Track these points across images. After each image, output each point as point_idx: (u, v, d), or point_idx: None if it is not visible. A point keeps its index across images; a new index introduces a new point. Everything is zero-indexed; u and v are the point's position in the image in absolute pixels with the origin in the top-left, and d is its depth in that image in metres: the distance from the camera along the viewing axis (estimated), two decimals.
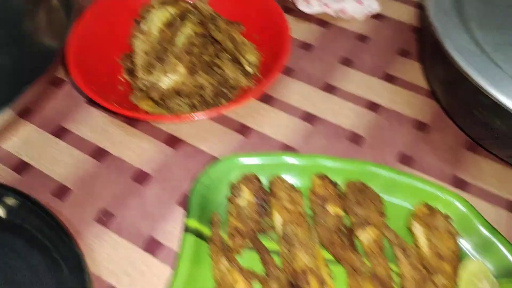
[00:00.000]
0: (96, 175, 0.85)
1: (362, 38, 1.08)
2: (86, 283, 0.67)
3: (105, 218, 0.80)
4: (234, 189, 0.80)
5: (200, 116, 0.81)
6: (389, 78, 1.01)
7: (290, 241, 0.75)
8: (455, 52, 0.79)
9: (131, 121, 0.92)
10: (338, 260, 0.75)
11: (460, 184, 0.86)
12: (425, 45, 1.01)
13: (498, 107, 0.72)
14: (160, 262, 0.76)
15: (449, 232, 0.76)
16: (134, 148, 0.89)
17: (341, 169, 0.83)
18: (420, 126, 0.93)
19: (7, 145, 0.89)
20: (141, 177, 0.85)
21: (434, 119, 0.94)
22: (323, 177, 0.82)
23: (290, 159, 0.83)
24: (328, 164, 0.83)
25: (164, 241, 0.78)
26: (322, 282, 0.71)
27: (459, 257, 0.75)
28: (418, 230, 0.77)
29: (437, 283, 0.73)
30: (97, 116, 0.93)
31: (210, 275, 0.73)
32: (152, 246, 0.77)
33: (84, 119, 0.93)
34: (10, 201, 0.76)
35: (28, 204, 0.75)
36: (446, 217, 0.78)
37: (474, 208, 0.78)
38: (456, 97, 0.85)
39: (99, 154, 0.88)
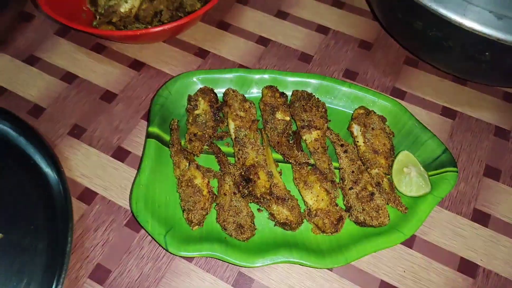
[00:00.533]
0: (67, 96, 0.91)
1: None
2: (63, 181, 0.74)
3: (77, 132, 0.87)
4: (191, 100, 0.87)
5: (153, 30, 0.85)
6: (338, 4, 1.06)
7: (242, 143, 0.83)
8: None
9: (97, 48, 0.98)
10: (286, 158, 0.83)
11: (399, 94, 0.94)
12: None
13: (435, 16, 0.78)
14: (127, 166, 0.83)
15: (384, 130, 0.85)
16: (101, 72, 0.94)
17: (287, 80, 0.91)
18: (364, 45, 1.00)
19: None
20: (108, 97, 0.91)
21: (377, 39, 1.01)
22: (272, 88, 0.89)
23: (242, 74, 0.91)
24: (277, 77, 0.91)
25: (130, 149, 0.85)
26: (269, 174, 0.80)
27: (393, 152, 0.84)
28: (356, 129, 0.86)
29: (371, 173, 0.82)
30: (65, 45, 0.98)
31: (172, 174, 0.82)
32: (120, 154, 0.84)
33: (53, 48, 0.98)
34: None
35: (9, 119, 0.81)
36: (381, 118, 0.86)
37: (406, 109, 0.87)
38: (391, 11, 0.91)
39: (69, 77, 0.93)
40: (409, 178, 0.78)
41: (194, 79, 0.88)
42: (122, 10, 0.90)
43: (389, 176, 0.81)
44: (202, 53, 0.97)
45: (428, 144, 0.82)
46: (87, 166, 0.82)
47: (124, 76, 0.93)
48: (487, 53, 0.75)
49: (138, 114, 0.88)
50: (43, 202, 0.72)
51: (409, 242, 0.75)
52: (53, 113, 0.88)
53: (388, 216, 0.75)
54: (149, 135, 0.81)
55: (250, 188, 0.76)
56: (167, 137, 0.83)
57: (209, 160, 0.83)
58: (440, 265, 0.74)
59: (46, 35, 1.00)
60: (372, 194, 0.77)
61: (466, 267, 0.73)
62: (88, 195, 0.79)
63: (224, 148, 0.85)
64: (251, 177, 0.77)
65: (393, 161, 0.81)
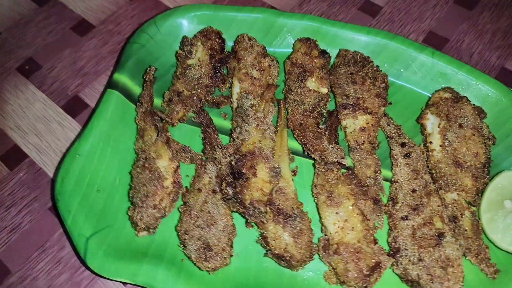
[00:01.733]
0: (32, 21, 0.66)
1: None
2: None
3: (29, 68, 0.62)
4: (185, 43, 0.58)
5: None
6: None
7: (246, 117, 0.53)
8: None
9: None
10: (308, 150, 0.52)
11: (510, 78, 0.58)
12: None
13: None
14: (78, 124, 0.57)
15: (479, 132, 0.50)
16: None
17: (335, 34, 0.58)
18: (463, 0, 0.65)
19: None
20: (82, 28, 0.65)
21: None
22: (309, 42, 0.57)
23: (269, 16, 0.59)
24: (319, 27, 0.59)
25: (89, 101, 0.59)
26: (276, 172, 0.49)
27: (488, 169, 0.49)
28: (432, 123, 0.52)
29: (446, 198, 0.48)
30: None
31: (131, 144, 0.53)
32: (73, 106, 0.59)
33: None
34: None
35: None
36: (478, 111, 0.51)
37: None
38: None
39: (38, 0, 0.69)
40: (511, 219, 0.44)
41: (195, 15, 0.59)
42: None
43: (475, 209, 0.47)
44: None
45: None
46: (26, 116, 0.58)
47: (111, 4, 0.68)
48: None
49: (113, 56, 0.63)
50: None
51: None
52: (8, 39, 0.65)
53: (463, 280, 0.41)
54: (112, 84, 0.54)
55: (238, 188, 0.46)
56: (138, 92, 0.55)
57: (192, 135, 0.55)
58: None
59: None
60: (441, 235, 0.44)
61: None
62: (14, 156, 0.56)
63: (219, 121, 0.56)
64: (244, 171, 0.47)
65: (486, 184, 0.47)
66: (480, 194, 0.48)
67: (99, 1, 0.68)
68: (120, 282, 0.47)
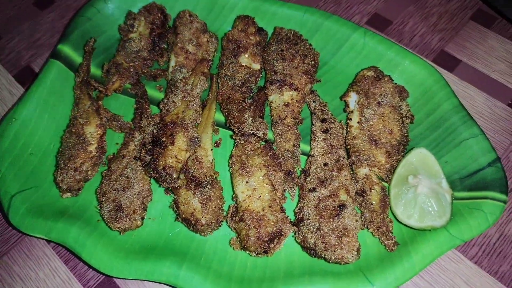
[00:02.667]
0: None
1: None
2: None
3: None
4: (129, 18, 0.59)
5: None
6: None
7: (175, 89, 0.54)
8: None
9: None
10: (229, 122, 0.53)
11: (447, 61, 0.58)
12: None
13: None
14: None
15: (397, 109, 0.50)
16: None
17: (274, 12, 0.58)
18: None
19: None
20: (43, 2, 0.67)
21: None
22: (247, 20, 0.58)
23: None
24: (260, 5, 0.59)
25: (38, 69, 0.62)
26: (194, 141, 0.50)
27: (403, 146, 0.49)
28: (353, 100, 0.52)
29: (357, 173, 0.49)
30: None
31: (69, 112, 0.55)
32: (25, 76, 0.61)
33: None
34: None
35: None
36: (399, 90, 0.51)
37: (446, 83, 0.51)
38: None
39: None
40: (414, 194, 0.44)
41: None
42: None
43: (385, 185, 0.47)
44: None
45: (468, 145, 0.48)
46: None
47: None
48: None
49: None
50: None
51: None
52: None
53: (357, 251, 0.43)
54: (55, 54, 0.56)
55: (155, 155, 0.48)
56: (79, 62, 0.57)
57: (126, 105, 0.56)
58: None
59: None
60: (342, 206, 0.44)
61: None
62: None
63: (154, 93, 0.57)
64: (163, 139, 0.49)
65: (399, 161, 0.47)
66: (392, 171, 0.48)
67: None
68: (35, 237, 0.49)
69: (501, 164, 0.45)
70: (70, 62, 0.57)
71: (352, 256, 0.43)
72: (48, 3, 0.68)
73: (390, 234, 0.45)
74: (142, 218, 0.48)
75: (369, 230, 0.46)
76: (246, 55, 0.56)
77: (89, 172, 0.50)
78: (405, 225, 0.45)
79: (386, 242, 0.44)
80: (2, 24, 0.66)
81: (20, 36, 0.65)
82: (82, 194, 0.50)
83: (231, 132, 0.53)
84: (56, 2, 0.67)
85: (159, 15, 0.59)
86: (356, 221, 0.44)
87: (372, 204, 0.46)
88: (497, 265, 0.45)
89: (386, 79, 0.51)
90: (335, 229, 0.44)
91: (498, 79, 0.56)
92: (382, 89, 0.51)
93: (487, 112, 0.53)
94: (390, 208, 0.46)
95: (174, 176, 0.47)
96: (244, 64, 0.56)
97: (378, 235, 0.45)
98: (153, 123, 0.52)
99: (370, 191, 0.47)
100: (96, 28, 0.60)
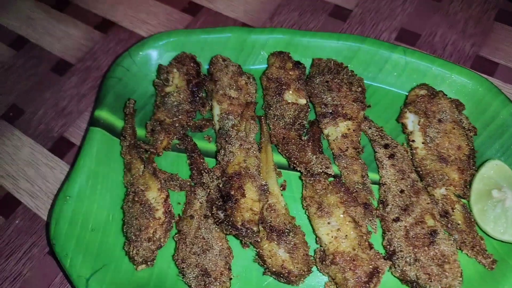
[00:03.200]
0: (12, 67, 0.66)
1: None
2: None
3: (12, 114, 0.62)
4: (161, 72, 0.57)
5: None
6: None
7: (228, 138, 0.53)
8: None
9: (59, 4, 0.72)
10: (293, 163, 0.52)
11: (486, 66, 0.59)
12: None
13: None
14: (67, 164, 0.57)
15: (459, 124, 0.50)
16: (59, 35, 0.68)
17: (307, 44, 0.58)
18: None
19: None
20: (61, 67, 0.65)
21: None
22: (282, 55, 0.57)
23: (240, 34, 0.59)
24: (291, 39, 0.58)
25: (75, 139, 0.59)
26: (264, 190, 0.49)
27: (473, 161, 0.49)
28: (413, 121, 0.52)
29: (435, 195, 0.48)
30: (23, 2, 0.73)
31: (121, 178, 0.53)
32: (60, 146, 0.58)
33: (6, 5, 0.73)
34: None
35: None
36: (455, 104, 0.51)
37: (498, 89, 0.51)
38: None
39: (18, 43, 0.68)
40: (503, 209, 0.43)
41: (168, 42, 0.59)
42: None
43: (465, 202, 0.46)
44: (192, 9, 0.69)
45: None
46: (15, 162, 0.58)
47: (86, 41, 0.67)
48: None
49: (94, 92, 0.63)
50: None
51: None
52: None
53: (461, 275, 0.41)
54: (94, 122, 0.54)
55: (229, 211, 0.46)
56: (120, 125, 0.55)
57: (179, 162, 0.54)
58: None
59: None
60: (434, 233, 0.43)
61: None
62: (8, 204, 0.56)
63: (203, 144, 0.56)
64: (233, 192, 0.47)
65: (473, 176, 0.47)
66: (468, 186, 0.48)
67: (75, 39, 0.68)
68: None
69: None
70: (110, 127, 0.54)
71: (459, 283, 0.41)
72: (66, 67, 0.65)
73: (486, 252, 0.44)
74: (230, 279, 0.45)
75: (463, 252, 0.45)
76: (290, 92, 0.55)
77: (162, 240, 0.47)
78: (499, 240, 0.44)
79: (484, 262, 0.44)
80: (22, 96, 0.63)
81: (44, 106, 0.62)
82: (155, 263, 0.48)
83: (294, 173, 0.52)
84: (74, 66, 0.65)
85: (192, 64, 0.57)
86: (451, 245, 0.43)
87: (458, 224, 0.45)
88: None
89: (440, 95, 0.51)
90: (434, 258, 0.43)
91: None
92: (440, 105, 0.50)
93: None
94: (478, 226, 0.46)
95: (255, 229, 0.45)
96: (290, 101, 0.55)
97: (474, 255, 0.44)
98: (216, 177, 0.50)
99: (453, 211, 0.46)
100: (127, 87, 0.58)
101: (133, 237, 0.47)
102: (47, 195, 0.55)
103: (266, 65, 0.59)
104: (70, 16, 0.71)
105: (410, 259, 0.43)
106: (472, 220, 0.46)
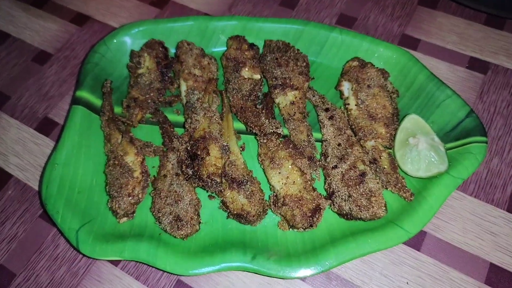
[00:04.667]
0: None
1: None
2: None
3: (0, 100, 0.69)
4: (133, 56, 0.65)
5: None
6: None
7: (194, 109, 0.61)
8: None
9: (37, 2, 0.79)
10: (250, 128, 0.61)
11: (410, 43, 0.69)
12: None
13: None
14: (52, 140, 0.64)
15: (384, 88, 0.60)
16: (38, 29, 0.75)
17: (260, 28, 0.67)
18: None
19: None
20: (42, 58, 0.72)
21: None
22: (239, 39, 0.66)
23: (201, 22, 0.68)
24: (246, 24, 0.68)
25: (58, 119, 0.66)
26: (225, 149, 0.58)
27: (396, 117, 0.60)
28: (347, 87, 0.62)
29: (366, 146, 0.58)
30: (1, 1, 0.80)
31: (102, 149, 0.61)
32: (45, 126, 0.65)
33: None
34: None
35: None
36: (381, 72, 0.62)
37: (416, 59, 0.62)
38: None
39: (0, 37, 0.75)
40: (417, 152, 0.54)
41: (138, 30, 0.67)
42: None
43: (390, 150, 0.57)
44: (159, 2, 0.76)
45: (446, 105, 0.58)
46: (4, 141, 0.64)
47: (64, 33, 0.74)
48: None
49: (73, 78, 0.69)
50: None
51: (415, 242, 0.52)
52: None
53: (385, 206, 0.52)
54: (75, 101, 0.61)
55: (196, 167, 0.55)
56: (98, 102, 0.63)
57: (152, 133, 0.63)
58: (461, 274, 0.50)
59: None
60: (363, 174, 0.53)
61: (499, 278, 0.49)
62: (0, 177, 0.61)
63: (173, 117, 0.64)
64: (199, 152, 0.56)
65: (396, 129, 0.57)
66: (393, 138, 0.58)
67: (53, 31, 0.74)
68: (110, 260, 0.55)
69: (476, 114, 0.56)
70: (90, 105, 0.62)
71: (383, 211, 0.51)
72: (46, 57, 0.72)
73: (406, 188, 0.54)
74: (199, 223, 0.54)
75: (388, 189, 0.55)
76: (246, 69, 0.64)
77: (140, 195, 0.56)
78: (415, 177, 0.55)
79: (404, 195, 0.54)
80: (8, 84, 0.70)
81: (28, 92, 0.69)
82: (135, 216, 0.56)
83: (251, 136, 0.61)
84: (54, 55, 0.72)
85: (160, 48, 0.66)
86: (378, 183, 0.53)
87: (384, 168, 0.55)
88: (492, 195, 0.55)
89: (369, 65, 0.61)
90: (363, 193, 0.52)
91: (453, 48, 0.67)
92: (368, 74, 0.60)
93: (451, 77, 0.65)
94: (400, 168, 0.56)
95: (218, 180, 0.54)
96: (246, 77, 0.64)
97: (396, 191, 0.54)
98: (184, 141, 0.59)
99: (380, 158, 0.56)
100: (104, 71, 0.65)
101: (115, 194, 0.55)
102: (35, 167, 0.62)
103: (225, 48, 0.68)
104: (47, 12, 0.77)
105: (345, 196, 0.53)
106: (395, 164, 0.56)
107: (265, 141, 0.58)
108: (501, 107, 0.61)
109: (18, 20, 0.77)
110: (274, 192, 0.56)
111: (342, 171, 0.55)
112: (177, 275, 0.50)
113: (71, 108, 0.60)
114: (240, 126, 0.62)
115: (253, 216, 0.53)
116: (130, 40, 0.67)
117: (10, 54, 0.73)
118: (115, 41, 0.67)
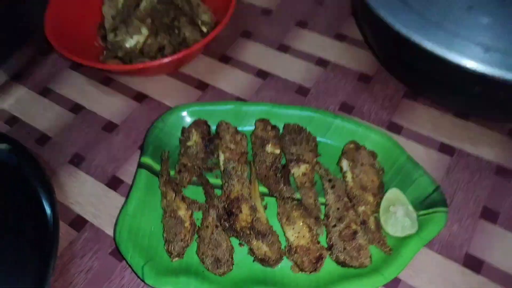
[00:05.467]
0: (72, 126, 0.93)
1: (318, 2, 1.13)
2: (54, 204, 0.76)
3: (77, 160, 0.89)
4: (184, 132, 0.87)
5: (154, 63, 0.87)
6: (340, 37, 1.04)
7: (230, 176, 0.81)
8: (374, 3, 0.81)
9: (105, 81, 1.00)
10: (272, 192, 0.80)
11: (395, 128, 0.89)
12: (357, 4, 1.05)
13: (420, 50, 0.75)
14: (120, 195, 0.84)
15: (373, 166, 0.80)
16: (106, 103, 0.97)
17: (280, 113, 0.89)
18: (363, 78, 0.96)
19: (2, 103, 0.99)
20: (109, 127, 0.93)
21: (377, 72, 0.96)
22: (264, 121, 0.87)
23: (236, 106, 0.90)
24: (270, 110, 0.89)
25: (124, 178, 0.86)
26: (253, 208, 0.77)
27: (382, 189, 0.79)
28: (345, 164, 0.82)
29: (358, 210, 0.77)
30: (77, 78, 1.02)
31: (159, 204, 0.81)
32: (113, 182, 0.85)
33: (66, 81, 1.01)
34: (2, 145, 0.86)
35: (16, 148, 0.85)
36: (372, 154, 0.82)
37: (398, 144, 0.82)
38: (385, 46, 0.88)
39: (76, 109, 0.96)
40: (396, 217, 0.73)
41: (188, 111, 0.88)
42: (127, 45, 0.92)
43: (376, 215, 0.76)
44: (202, 86, 0.97)
45: (419, 181, 0.77)
46: (82, 193, 0.83)
47: (127, 108, 0.95)
48: (477, 87, 0.69)
49: (135, 145, 0.89)
50: (33, 225, 0.74)
51: (393, 286, 0.70)
52: (58, 142, 0.91)
53: (370, 257, 0.70)
54: (140, 165, 0.81)
55: (232, 222, 0.74)
56: (158, 167, 0.83)
57: (197, 192, 0.82)
58: None
59: (61, 69, 1.04)
60: (355, 232, 0.72)
61: None
62: (79, 222, 0.80)
63: (213, 180, 0.84)
64: (234, 210, 0.75)
65: (381, 198, 0.76)
66: (379, 206, 0.77)
67: (119, 106, 0.95)
68: None
69: (441, 189, 0.76)
70: (151, 169, 0.82)
71: (368, 261, 0.70)
72: (113, 127, 0.93)
73: (386, 244, 0.73)
74: (232, 264, 0.73)
75: (373, 245, 0.74)
76: (269, 145, 0.85)
77: (189, 241, 0.75)
78: (394, 237, 0.74)
79: (385, 250, 0.72)
80: (83, 147, 0.90)
81: (100, 154, 0.89)
82: (185, 257, 0.75)
83: (272, 199, 0.81)
84: (119, 126, 0.93)
85: (205, 126, 0.87)
86: (366, 240, 0.72)
87: (371, 228, 0.74)
88: (452, 252, 0.73)
89: (362, 148, 0.82)
90: (355, 247, 0.71)
91: (428, 134, 0.87)
92: (361, 154, 0.80)
93: (425, 158, 0.83)
94: (383, 229, 0.75)
95: (248, 232, 0.73)
96: (269, 152, 0.84)
97: (379, 247, 0.73)
98: (222, 201, 0.79)
99: (368, 221, 0.75)
100: (162, 141, 0.86)
101: (170, 239, 0.74)
102: (106, 215, 0.81)
103: (254, 127, 0.89)
104: (113, 89, 0.99)
105: (341, 249, 0.72)
106: (380, 226, 0.75)
107: (282, 203, 0.78)
108: (463, 184, 0.81)
109: (91, 95, 0.99)
110: (288, 243, 0.74)
111: (339, 229, 0.74)
112: None
113: (137, 171, 0.81)
114: (264, 190, 0.82)
115: (273, 261, 0.72)
116: (182, 118, 0.89)
117: (84, 122, 0.94)
118: (170, 118, 0.88)
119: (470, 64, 0.67)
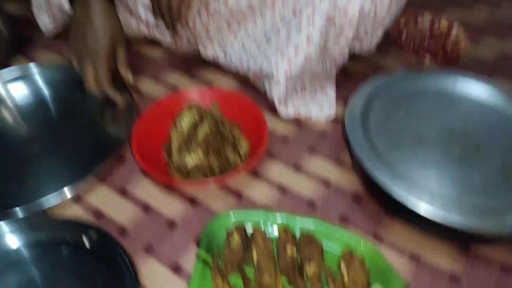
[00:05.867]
0: (144, 221, 1.25)
1: (323, 135, 1.53)
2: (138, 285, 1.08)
3: (148, 249, 1.22)
4: (228, 234, 1.21)
5: (211, 182, 1.25)
6: (340, 163, 1.43)
7: (261, 270, 1.15)
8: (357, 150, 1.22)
9: (168, 187, 1.37)
10: (291, 283, 1.14)
11: (379, 237, 1.24)
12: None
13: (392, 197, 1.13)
14: (179, 277, 1.17)
15: (363, 269, 1.15)
16: (168, 204, 1.31)
17: (296, 222, 1.23)
18: (356, 198, 1.33)
19: (91, 200, 1.34)
20: (171, 224, 1.26)
21: (365, 193, 1.35)
22: (286, 229, 1.22)
23: (265, 215, 1.25)
24: (289, 218, 1.24)
25: (182, 264, 1.18)
26: None
27: (368, 284, 1.13)
28: (343, 267, 1.16)
29: None
30: (147, 182, 1.36)
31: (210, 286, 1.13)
32: (176, 269, 1.18)
33: (138, 184, 1.36)
34: (93, 235, 1.20)
35: (104, 238, 1.18)
36: (361, 260, 1.16)
37: (380, 254, 1.17)
38: (365, 182, 1.27)
39: (145, 208, 1.29)
40: None
41: (231, 216, 1.23)
42: (188, 164, 1.28)
43: None
44: (238, 195, 1.32)
45: (393, 281, 1.11)
46: (154, 278, 1.15)
47: (183, 211, 1.28)
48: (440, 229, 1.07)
49: (191, 240, 1.22)
50: None
51: None
52: (133, 234, 1.24)
53: None
54: (198, 257, 1.15)
55: None
56: (209, 259, 1.16)
57: (236, 278, 1.15)
58: None
59: (134, 174, 1.39)
60: None
61: None
62: None
63: (248, 270, 1.17)
64: None
65: None
66: None
67: (178, 207, 1.29)
68: None
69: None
70: (205, 261, 1.16)
71: None
72: (174, 224, 1.25)
73: None
74: None
75: None
76: (289, 247, 1.19)
77: None
78: None
79: None
80: (152, 240, 1.24)
81: (164, 245, 1.23)
82: None
83: (291, 286, 1.14)
84: (179, 225, 1.27)
85: (244, 230, 1.22)
86: None
87: None
88: None
89: (354, 255, 1.16)
90: None
91: (403, 244, 1.23)
92: (354, 259, 1.15)
93: (399, 264, 1.19)
94: None
95: None
96: (289, 252, 1.19)
97: None
98: (256, 286, 1.12)
99: None
100: (211, 240, 1.20)
101: None
102: None
103: (277, 234, 1.23)
104: (174, 194, 1.34)
105: None
106: None
107: None
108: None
109: (156, 196, 1.32)
110: None
111: None
112: None
113: (196, 263, 1.14)
114: (284, 281, 1.15)
115: None
116: (227, 221, 1.23)
117: (151, 220, 1.28)
118: (218, 222, 1.22)
119: (434, 216, 1.04)
